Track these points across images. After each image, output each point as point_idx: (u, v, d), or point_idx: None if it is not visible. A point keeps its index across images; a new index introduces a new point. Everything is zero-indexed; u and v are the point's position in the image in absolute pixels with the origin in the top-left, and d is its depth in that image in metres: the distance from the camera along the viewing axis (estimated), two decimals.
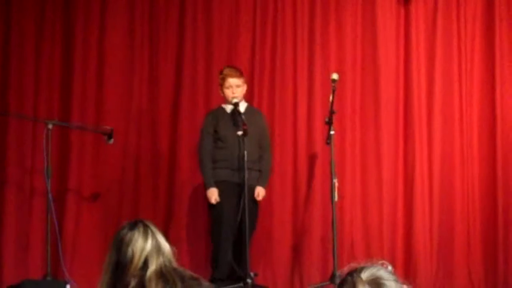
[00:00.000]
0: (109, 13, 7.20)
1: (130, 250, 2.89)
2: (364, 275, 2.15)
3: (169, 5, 7.23)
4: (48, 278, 6.44)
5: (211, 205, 6.37)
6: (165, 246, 2.95)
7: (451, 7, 7.10)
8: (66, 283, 6.46)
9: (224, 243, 6.27)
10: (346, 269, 2.21)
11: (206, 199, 6.39)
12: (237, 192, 6.27)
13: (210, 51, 7.16)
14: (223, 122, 6.42)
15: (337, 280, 5.99)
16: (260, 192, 6.43)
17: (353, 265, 2.22)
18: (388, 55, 7.10)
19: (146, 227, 2.94)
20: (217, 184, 6.33)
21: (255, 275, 6.21)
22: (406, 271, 6.80)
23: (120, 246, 2.91)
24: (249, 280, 6.02)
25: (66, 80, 7.18)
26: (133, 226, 2.94)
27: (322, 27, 7.14)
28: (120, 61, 7.19)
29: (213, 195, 6.30)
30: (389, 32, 7.12)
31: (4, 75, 7.16)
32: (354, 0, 7.16)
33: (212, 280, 6.18)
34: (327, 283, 6.29)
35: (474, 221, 6.96)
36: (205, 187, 6.39)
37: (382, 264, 2.21)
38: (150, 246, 2.90)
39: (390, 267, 2.20)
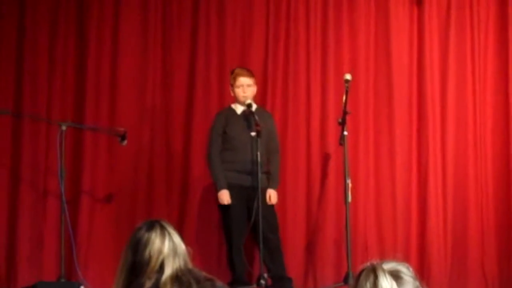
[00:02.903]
0: (123, 14, 7.20)
1: (147, 252, 2.89)
2: (386, 265, 2.21)
3: (182, 5, 7.23)
4: (62, 280, 6.46)
5: (221, 208, 6.37)
6: (181, 247, 2.95)
7: (464, 7, 7.07)
8: (80, 284, 6.48)
9: (235, 247, 6.27)
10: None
11: (217, 200, 6.38)
12: (245, 195, 6.26)
13: (223, 51, 7.15)
14: (233, 122, 6.39)
15: (351, 281, 6.01)
16: (272, 195, 6.37)
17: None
18: (401, 56, 7.08)
19: (163, 229, 2.93)
20: None
21: (269, 276, 6.22)
22: (420, 271, 6.77)
23: (137, 247, 2.90)
24: (262, 281, 6.02)
25: (80, 81, 7.18)
26: (150, 227, 2.94)
27: (335, 27, 7.12)
28: (134, 62, 7.19)
29: (225, 196, 6.27)
30: (402, 32, 7.10)
31: (18, 76, 7.17)
32: (367, 0, 7.15)
33: (231, 283, 6.20)
34: (341, 283, 6.28)
35: (488, 220, 6.92)
36: (217, 189, 6.36)
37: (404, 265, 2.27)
38: (167, 249, 2.90)
39: (411, 269, 2.26)
